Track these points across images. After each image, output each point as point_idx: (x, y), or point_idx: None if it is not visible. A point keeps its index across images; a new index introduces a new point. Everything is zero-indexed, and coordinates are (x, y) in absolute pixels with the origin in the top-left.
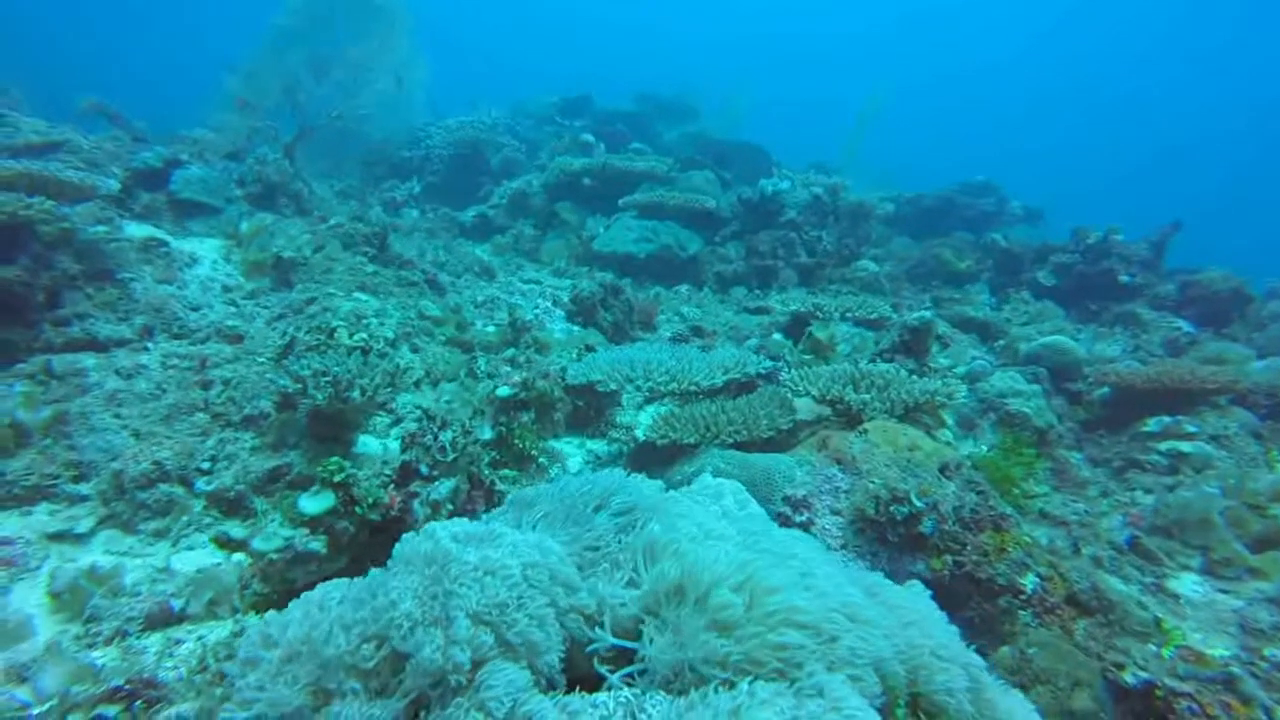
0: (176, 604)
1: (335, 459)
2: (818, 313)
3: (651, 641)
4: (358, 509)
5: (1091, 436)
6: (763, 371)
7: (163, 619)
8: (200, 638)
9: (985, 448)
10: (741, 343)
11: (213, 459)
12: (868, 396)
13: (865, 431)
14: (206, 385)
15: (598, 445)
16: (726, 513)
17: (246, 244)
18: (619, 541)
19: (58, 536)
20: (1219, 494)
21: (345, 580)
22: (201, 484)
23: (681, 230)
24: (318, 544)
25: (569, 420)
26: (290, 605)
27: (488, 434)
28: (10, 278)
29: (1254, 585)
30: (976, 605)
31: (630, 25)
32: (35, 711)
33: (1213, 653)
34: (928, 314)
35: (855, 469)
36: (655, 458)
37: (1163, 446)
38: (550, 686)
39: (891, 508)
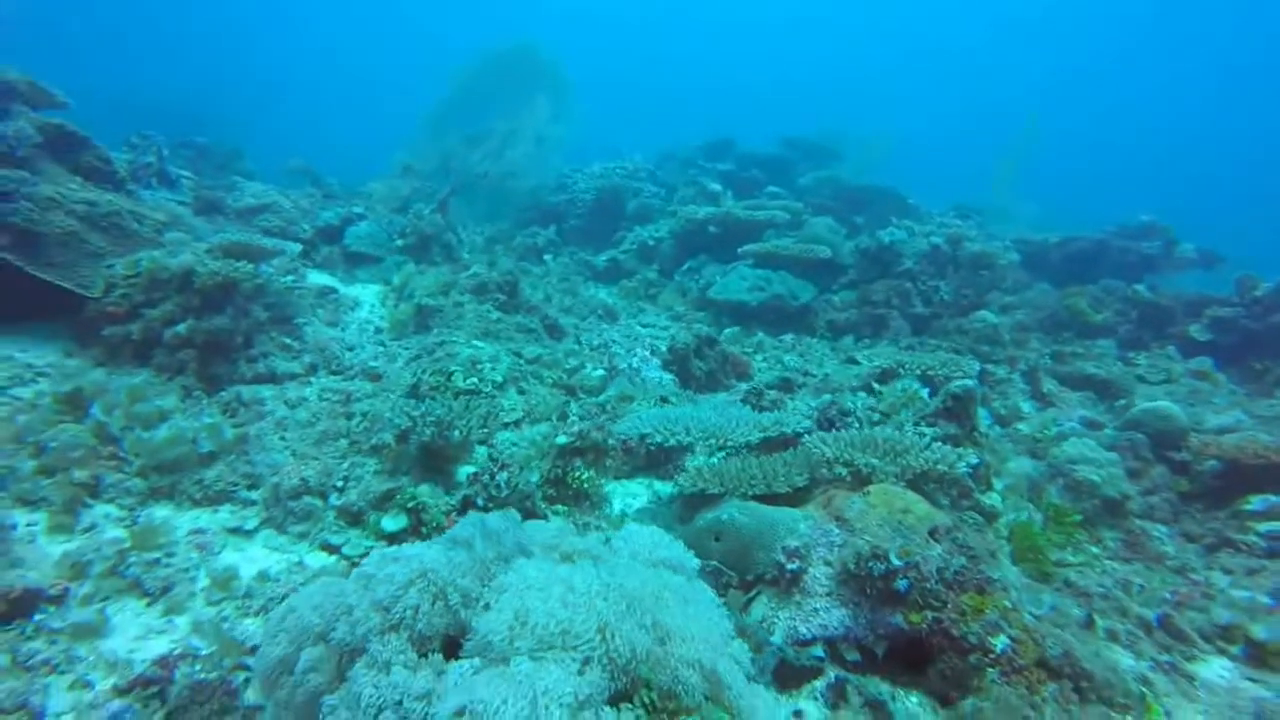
0: None
1: (410, 490)
2: (900, 369)
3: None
4: (424, 529)
5: (1189, 510)
6: (800, 430)
7: None
8: None
9: (1026, 515)
10: (834, 393)
11: (345, 479)
12: (876, 461)
13: (868, 493)
14: (350, 416)
15: (664, 486)
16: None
17: (395, 294)
18: (498, 566)
19: (233, 531)
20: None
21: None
22: (334, 499)
23: (794, 280)
24: None
25: (644, 462)
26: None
27: (534, 477)
28: (220, 326)
29: None
30: (948, 659)
31: (784, 68)
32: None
33: None
34: (970, 382)
35: (850, 527)
36: (699, 500)
37: (1262, 527)
38: (427, 643)
39: (869, 564)
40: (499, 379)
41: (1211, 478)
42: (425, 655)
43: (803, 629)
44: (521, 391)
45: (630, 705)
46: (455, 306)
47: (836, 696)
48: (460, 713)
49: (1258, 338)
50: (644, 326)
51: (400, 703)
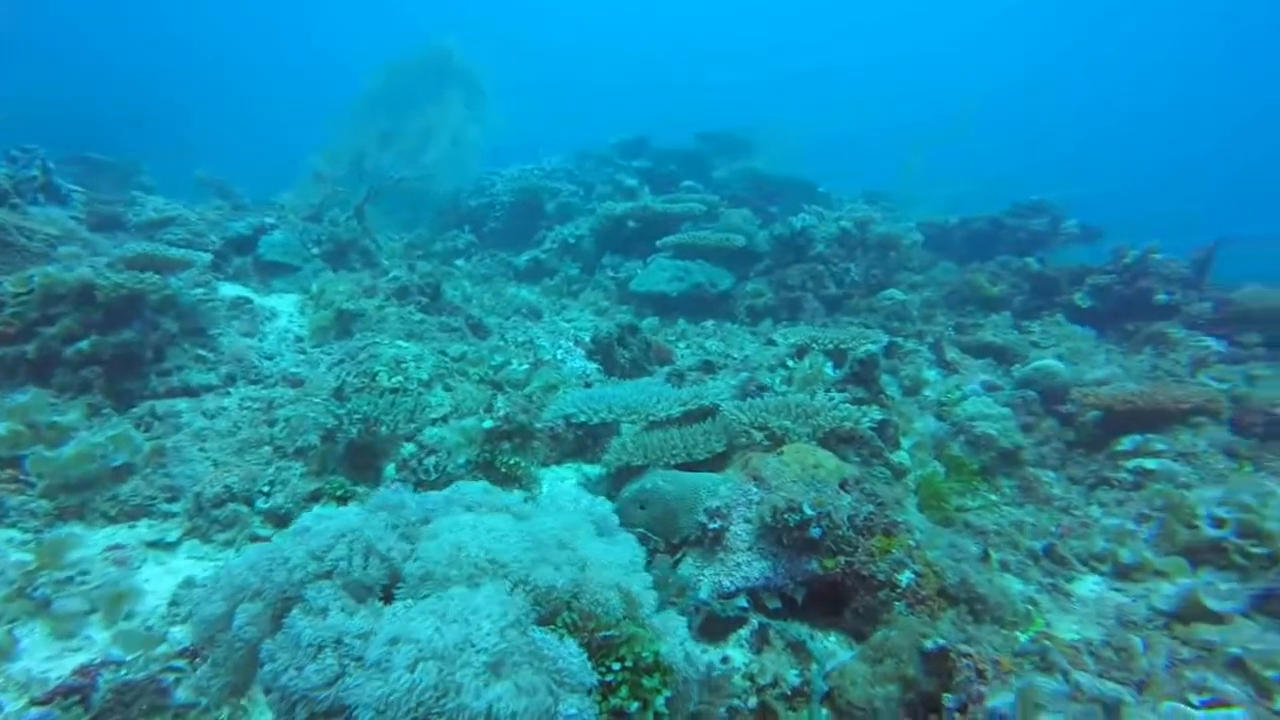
0: None
1: (339, 479)
2: (813, 345)
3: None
4: None
5: (1073, 456)
6: (718, 402)
7: None
8: None
9: (932, 469)
10: (752, 371)
11: (271, 483)
12: (788, 423)
13: (782, 453)
14: (272, 423)
15: (593, 469)
16: (552, 501)
17: (314, 301)
18: (422, 527)
19: (154, 544)
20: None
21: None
22: (260, 503)
23: (713, 268)
24: None
25: (573, 448)
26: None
27: (461, 459)
28: (128, 340)
29: (1149, 585)
30: (861, 597)
31: (699, 66)
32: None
33: (1066, 636)
34: (874, 347)
35: (767, 485)
36: (625, 475)
37: (1130, 464)
38: (366, 593)
39: (785, 516)
40: (424, 377)
41: (1093, 426)
42: (363, 603)
43: (726, 582)
44: (448, 388)
45: (553, 626)
46: (377, 310)
47: (760, 641)
48: (396, 640)
49: (1129, 301)
50: (568, 322)
51: (340, 640)
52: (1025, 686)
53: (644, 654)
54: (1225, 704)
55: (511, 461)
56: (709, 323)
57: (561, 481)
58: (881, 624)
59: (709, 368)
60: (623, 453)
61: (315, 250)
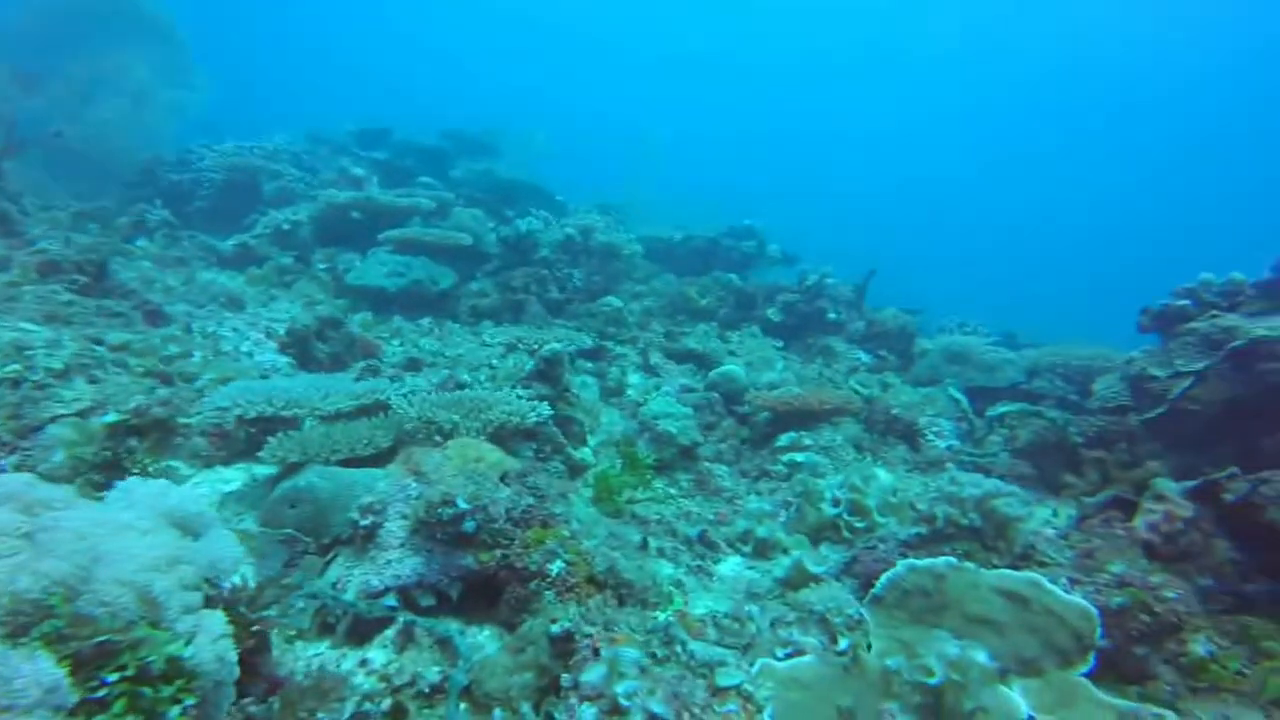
0: None
1: None
2: (519, 344)
3: None
4: None
5: (745, 452)
6: (390, 397)
7: None
8: None
9: (610, 464)
10: (455, 370)
11: None
12: (456, 417)
13: (446, 447)
14: None
15: (264, 470)
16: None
17: None
18: None
19: None
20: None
21: None
22: None
23: (436, 266)
24: None
25: (245, 448)
26: None
27: (58, 458)
28: None
29: (777, 560)
30: (514, 589)
31: (449, 64)
32: None
33: (696, 612)
34: (558, 346)
35: (427, 479)
36: (285, 474)
37: (785, 458)
38: None
39: (439, 510)
40: (58, 366)
41: (764, 425)
42: None
43: (375, 581)
44: (93, 380)
45: (26, 638)
46: (8, 287)
47: (405, 640)
48: None
49: (809, 317)
50: (271, 314)
51: None
52: (611, 657)
53: (153, 659)
54: (801, 653)
55: (145, 461)
56: (426, 320)
57: (227, 484)
58: (529, 614)
59: (416, 365)
60: (279, 449)
61: None
